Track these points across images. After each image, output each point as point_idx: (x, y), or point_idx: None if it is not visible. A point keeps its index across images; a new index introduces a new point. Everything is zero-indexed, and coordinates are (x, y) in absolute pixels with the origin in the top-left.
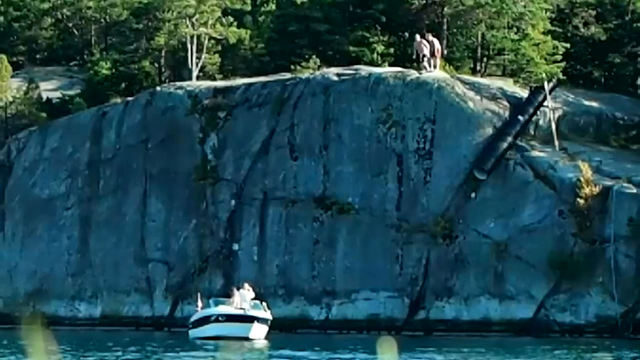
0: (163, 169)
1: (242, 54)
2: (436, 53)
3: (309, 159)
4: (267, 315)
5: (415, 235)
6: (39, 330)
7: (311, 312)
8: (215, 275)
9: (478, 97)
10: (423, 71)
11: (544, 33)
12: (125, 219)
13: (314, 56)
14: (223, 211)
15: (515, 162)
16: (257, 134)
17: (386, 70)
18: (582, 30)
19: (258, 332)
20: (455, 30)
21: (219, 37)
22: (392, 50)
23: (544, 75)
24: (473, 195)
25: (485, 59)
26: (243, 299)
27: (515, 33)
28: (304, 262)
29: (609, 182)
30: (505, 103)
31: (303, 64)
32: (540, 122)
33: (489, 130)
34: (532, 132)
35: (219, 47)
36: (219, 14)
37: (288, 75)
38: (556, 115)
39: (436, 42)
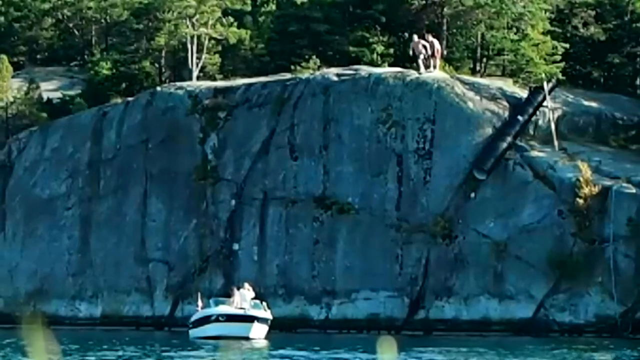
0: (163, 169)
1: (242, 54)
2: (436, 53)
3: (309, 159)
4: (267, 315)
5: (415, 235)
6: (39, 330)
7: (311, 311)
8: (215, 275)
9: (478, 98)
10: (420, 71)
11: (543, 33)
12: (125, 218)
13: (314, 56)
14: (223, 211)
15: (515, 162)
16: (257, 134)
17: (386, 70)
18: (581, 30)
19: (258, 332)
20: (455, 30)
21: (219, 37)
22: (392, 50)
23: (543, 75)
24: (473, 195)
25: (484, 59)
26: (243, 299)
27: (515, 33)
28: (304, 262)
29: (608, 182)
30: (505, 103)
31: (303, 64)
32: (540, 122)
33: (489, 131)
34: (531, 132)
35: (219, 48)
36: (219, 14)
37: (288, 76)
38: (555, 115)
39: (436, 42)
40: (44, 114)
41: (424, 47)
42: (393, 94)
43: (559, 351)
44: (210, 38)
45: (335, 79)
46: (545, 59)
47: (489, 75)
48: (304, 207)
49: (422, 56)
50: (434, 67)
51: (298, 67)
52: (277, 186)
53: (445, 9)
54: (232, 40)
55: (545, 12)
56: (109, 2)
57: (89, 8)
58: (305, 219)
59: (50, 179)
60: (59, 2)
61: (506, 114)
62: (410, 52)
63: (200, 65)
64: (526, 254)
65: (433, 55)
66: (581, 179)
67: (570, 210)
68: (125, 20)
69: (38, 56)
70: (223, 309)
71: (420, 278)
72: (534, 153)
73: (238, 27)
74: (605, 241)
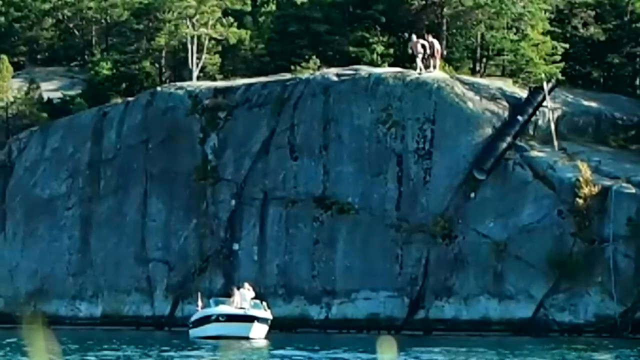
0: (163, 169)
1: (242, 54)
2: (436, 53)
3: (309, 159)
4: (267, 314)
5: (415, 235)
6: (39, 330)
7: (311, 311)
8: (215, 275)
9: (477, 98)
10: (419, 71)
11: (543, 33)
12: (125, 218)
13: (314, 56)
14: (223, 211)
15: (515, 162)
16: (257, 134)
17: (386, 70)
18: (581, 30)
19: (258, 332)
20: (454, 30)
21: (219, 37)
22: (391, 50)
23: (543, 75)
24: (472, 195)
25: (484, 60)
26: (243, 299)
27: (515, 33)
28: (304, 262)
29: (608, 182)
30: (505, 103)
31: (303, 64)
32: (540, 122)
33: (489, 131)
34: (531, 132)
35: (219, 48)
36: (219, 14)
37: (288, 76)
38: (555, 115)
39: (436, 42)
40: (44, 114)
41: (423, 46)
42: (393, 94)
43: (558, 351)
44: (211, 38)
45: (335, 79)
46: (545, 59)
47: (489, 75)
48: (304, 207)
49: (420, 56)
50: (434, 67)
51: (298, 67)
52: (277, 186)
53: (445, 9)
54: (232, 41)
55: (545, 13)
56: (109, 2)
57: (89, 8)
58: (305, 219)
59: (50, 179)
60: (59, 3)
61: (506, 114)
62: (410, 51)
63: (200, 65)
64: (526, 254)
65: (433, 55)
66: (581, 179)
67: (570, 210)
68: (126, 20)
69: (38, 56)
70: (223, 308)
71: (420, 278)
72: (534, 153)
73: (238, 27)
74: (605, 241)
